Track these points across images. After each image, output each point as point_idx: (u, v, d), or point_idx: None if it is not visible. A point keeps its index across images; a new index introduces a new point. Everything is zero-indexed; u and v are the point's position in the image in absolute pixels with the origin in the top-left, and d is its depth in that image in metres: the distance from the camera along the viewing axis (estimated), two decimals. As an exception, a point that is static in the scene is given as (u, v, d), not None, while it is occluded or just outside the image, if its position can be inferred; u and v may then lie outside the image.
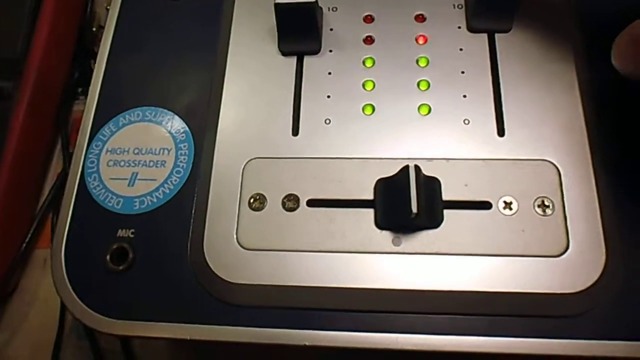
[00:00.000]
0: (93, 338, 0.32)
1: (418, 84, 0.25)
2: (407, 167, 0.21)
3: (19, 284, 0.35)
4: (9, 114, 0.34)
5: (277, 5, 0.24)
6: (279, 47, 0.26)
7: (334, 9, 0.27)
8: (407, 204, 0.20)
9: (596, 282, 0.21)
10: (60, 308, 0.33)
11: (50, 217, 0.36)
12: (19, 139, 0.34)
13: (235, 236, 0.23)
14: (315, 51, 0.25)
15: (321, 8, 0.26)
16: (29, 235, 0.34)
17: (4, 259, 0.33)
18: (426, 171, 0.23)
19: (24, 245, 0.34)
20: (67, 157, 0.36)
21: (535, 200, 0.22)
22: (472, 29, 0.25)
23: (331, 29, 0.26)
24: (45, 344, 0.32)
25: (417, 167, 0.21)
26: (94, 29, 0.39)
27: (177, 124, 0.26)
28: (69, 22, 0.38)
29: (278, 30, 0.25)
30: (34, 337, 0.33)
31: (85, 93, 0.38)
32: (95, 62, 0.38)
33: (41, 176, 0.37)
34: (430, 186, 0.22)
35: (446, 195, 0.23)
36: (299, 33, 0.25)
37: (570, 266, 0.22)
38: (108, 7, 0.39)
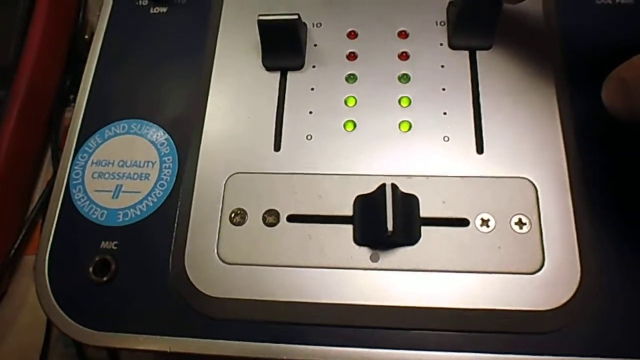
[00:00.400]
0: (79, 346, 0.32)
1: (399, 101, 0.25)
2: (384, 185, 0.21)
3: (8, 290, 0.35)
4: (0, 122, 0.34)
5: (260, 21, 0.24)
6: (262, 62, 0.26)
7: (319, 25, 0.27)
8: (383, 222, 0.21)
9: (571, 299, 0.22)
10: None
11: (40, 223, 0.36)
12: (9, 146, 0.34)
13: (216, 250, 0.23)
14: (299, 67, 0.26)
15: (305, 24, 0.27)
16: (18, 242, 0.34)
17: (-6, 265, 0.33)
18: (405, 188, 0.23)
19: (13, 251, 0.34)
20: (57, 165, 0.36)
21: (512, 217, 0.23)
22: (453, 46, 0.26)
23: (315, 45, 0.26)
24: (33, 350, 0.33)
25: (393, 186, 0.22)
26: (86, 37, 0.40)
27: (161, 137, 0.26)
28: (61, 30, 0.38)
29: (262, 46, 0.25)
30: (21, 342, 0.34)
31: (76, 100, 0.39)
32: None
33: (31, 182, 0.37)
34: (407, 204, 0.22)
35: (424, 212, 0.23)
36: (282, 49, 0.25)
37: (545, 283, 0.22)
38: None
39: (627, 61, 0.21)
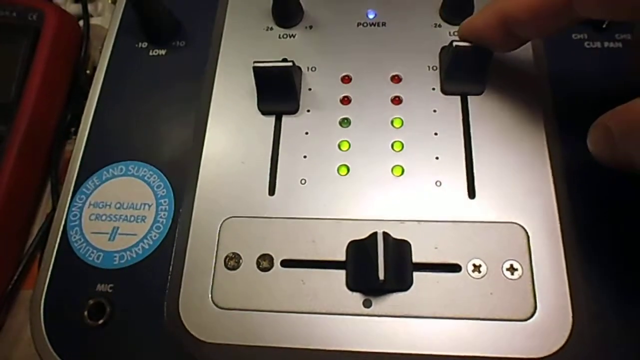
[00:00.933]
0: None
1: (392, 145, 0.25)
2: (375, 234, 0.22)
3: (5, 324, 0.35)
4: (1, 157, 0.34)
5: (255, 67, 0.25)
6: (258, 106, 0.26)
7: (313, 69, 0.27)
8: (375, 269, 0.21)
9: (563, 346, 0.22)
10: (43, 350, 0.33)
11: (38, 257, 0.36)
12: (9, 182, 0.34)
13: (210, 295, 0.23)
14: (293, 111, 0.26)
15: (300, 69, 0.27)
16: (16, 276, 0.35)
17: (-9, 300, 0.33)
18: (398, 233, 0.23)
19: (11, 286, 0.34)
20: (56, 198, 0.36)
21: (504, 263, 0.23)
22: (445, 91, 0.26)
23: (310, 89, 0.27)
24: (28, 385, 0.33)
25: (385, 234, 0.22)
26: (88, 72, 0.40)
27: (158, 180, 0.26)
28: (63, 66, 0.39)
29: (257, 91, 0.26)
30: (16, 378, 0.33)
31: (77, 133, 0.39)
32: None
33: (30, 217, 0.37)
34: (399, 250, 0.22)
35: (416, 258, 0.23)
36: (278, 94, 0.26)
37: (537, 330, 0.22)
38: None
39: (611, 110, 0.21)
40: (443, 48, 0.27)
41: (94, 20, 0.41)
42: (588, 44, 0.28)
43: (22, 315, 0.35)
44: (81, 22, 0.41)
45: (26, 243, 0.37)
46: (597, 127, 0.21)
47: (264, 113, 0.26)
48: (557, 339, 0.22)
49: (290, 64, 0.25)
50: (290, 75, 0.25)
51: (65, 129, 0.39)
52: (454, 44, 0.24)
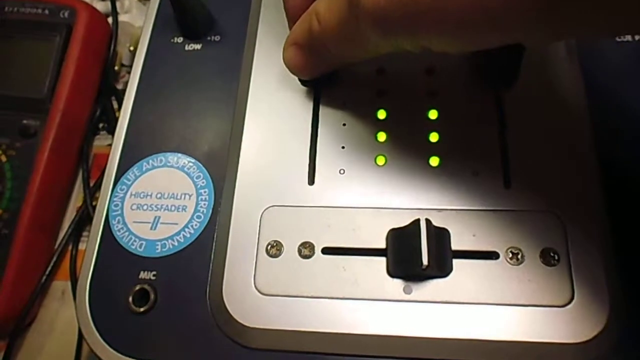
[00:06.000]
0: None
1: (429, 136, 0.26)
2: (418, 220, 0.22)
3: (37, 315, 0.36)
4: (34, 152, 0.35)
5: None
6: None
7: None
8: (418, 255, 0.22)
9: (601, 332, 0.22)
10: (77, 340, 0.34)
11: (69, 250, 0.37)
12: (42, 176, 0.35)
13: (253, 281, 0.24)
14: (332, 84, 0.27)
15: None
16: (49, 268, 0.35)
17: (25, 291, 0.34)
18: (436, 221, 0.24)
19: (44, 278, 0.35)
20: (88, 192, 0.37)
21: (541, 250, 0.23)
22: (480, 83, 0.27)
23: (346, 81, 0.27)
24: (62, 374, 0.33)
25: (427, 221, 0.22)
26: (116, 68, 0.41)
27: (197, 170, 0.27)
28: (94, 63, 0.39)
29: None
30: (50, 367, 0.34)
31: (106, 129, 0.40)
32: (116, 99, 0.40)
33: (62, 210, 0.38)
34: (440, 237, 0.23)
35: (455, 245, 0.23)
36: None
37: (575, 316, 0.22)
38: (130, 48, 0.41)
39: (292, 29, 0.24)
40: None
41: (121, 17, 0.42)
42: (619, 38, 0.28)
43: (55, 306, 0.36)
44: (109, 20, 0.42)
45: (57, 235, 0.37)
46: (288, 46, 0.25)
47: (304, 83, 0.27)
48: (595, 325, 0.22)
49: None
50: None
51: (95, 124, 0.40)
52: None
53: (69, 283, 0.35)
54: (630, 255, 0.23)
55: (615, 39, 0.28)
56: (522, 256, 0.23)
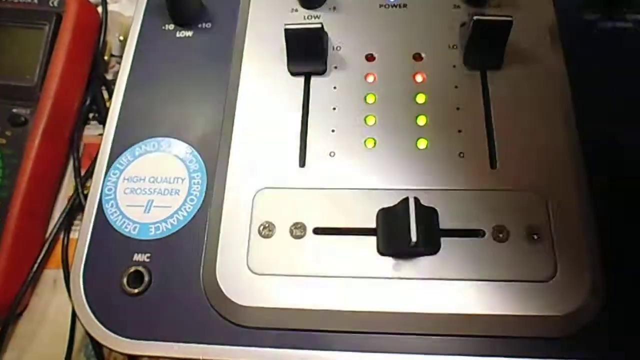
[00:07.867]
0: (102, 358, 0.33)
1: (416, 119, 0.27)
2: (407, 198, 0.23)
3: (29, 304, 0.36)
4: (25, 140, 0.35)
5: (287, 29, 0.26)
6: (288, 67, 0.27)
7: (338, 48, 0.29)
8: (407, 233, 0.22)
9: (582, 304, 0.23)
10: (69, 328, 0.34)
11: (61, 238, 0.37)
12: (33, 164, 0.35)
13: (246, 262, 0.24)
14: (321, 72, 0.27)
15: (327, 33, 0.28)
16: (40, 257, 0.35)
17: (17, 280, 0.34)
18: (424, 201, 0.24)
19: (36, 266, 0.35)
20: (79, 181, 0.37)
21: (525, 228, 0.24)
22: (466, 65, 0.27)
23: (335, 67, 0.28)
24: (54, 362, 0.33)
25: (416, 199, 0.23)
26: (106, 57, 0.41)
27: (190, 155, 0.27)
28: (84, 51, 0.39)
29: (287, 53, 0.27)
30: (42, 355, 0.34)
31: (96, 118, 0.40)
32: (106, 89, 0.40)
33: (53, 199, 0.38)
34: (428, 216, 0.24)
35: (443, 224, 0.24)
36: (307, 56, 0.27)
37: (558, 290, 0.23)
38: (120, 38, 0.41)
39: None
40: (463, 24, 0.28)
41: (111, 7, 0.42)
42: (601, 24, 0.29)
43: (47, 294, 0.36)
44: (99, 9, 0.42)
45: (49, 224, 0.37)
46: None
47: (293, 74, 0.27)
48: (577, 298, 0.23)
49: (319, 24, 0.26)
50: (320, 36, 0.26)
51: (85, 113, 0.40)
52: (475, 17, 0.25)
53: (61, 271, 0.36)
54: (611, 232, 0.24)
55: (597, 24, 0.29)
56: (507, 234, 0.24)
